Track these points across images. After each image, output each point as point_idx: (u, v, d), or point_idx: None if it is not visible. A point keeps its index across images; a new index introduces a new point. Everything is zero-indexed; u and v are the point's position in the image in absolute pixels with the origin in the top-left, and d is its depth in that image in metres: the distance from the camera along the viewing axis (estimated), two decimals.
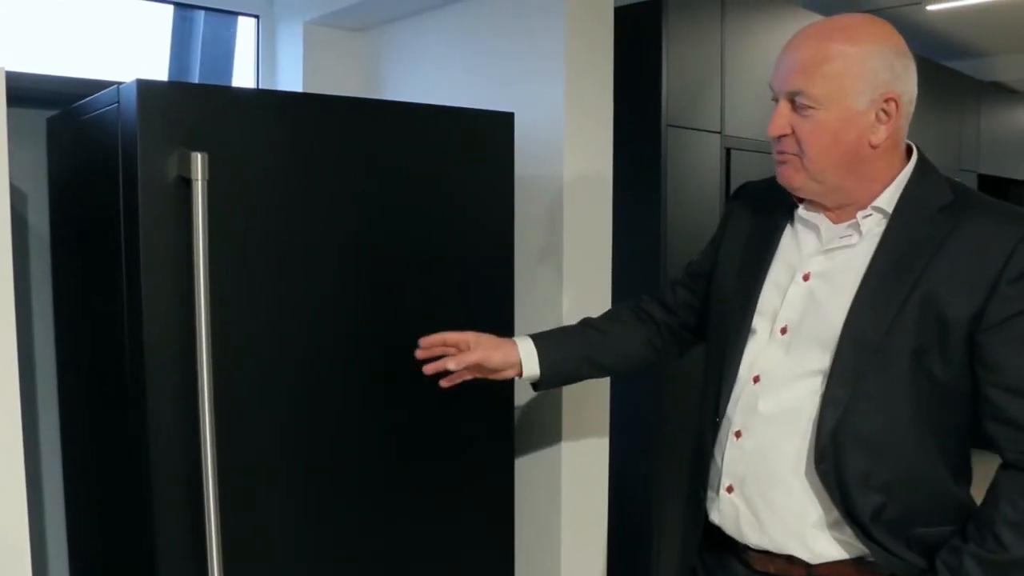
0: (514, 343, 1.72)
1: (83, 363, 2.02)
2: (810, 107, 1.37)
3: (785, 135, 1.42)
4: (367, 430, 1.87)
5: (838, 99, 1.36)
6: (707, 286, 1.71)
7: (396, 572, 1.94)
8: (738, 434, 1.49)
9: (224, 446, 1.61)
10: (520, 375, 1.73)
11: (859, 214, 1.42)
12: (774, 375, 1.46)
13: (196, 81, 2.89)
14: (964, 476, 1.45)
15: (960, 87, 4.70)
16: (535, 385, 1.76)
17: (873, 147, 1.39)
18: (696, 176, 2.76)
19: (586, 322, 1.82)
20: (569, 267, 2.24)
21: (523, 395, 2.27)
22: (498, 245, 2.06)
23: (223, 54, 3.03)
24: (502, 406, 2.11)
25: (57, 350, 2.24)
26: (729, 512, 1.52)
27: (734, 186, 2.85)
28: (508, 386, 2.10)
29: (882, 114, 1.37)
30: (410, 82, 2.74)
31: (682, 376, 2.70)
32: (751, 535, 1.49)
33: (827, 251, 1.45)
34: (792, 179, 1.44)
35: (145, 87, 1.54)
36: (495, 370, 1.70)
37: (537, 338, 1.74)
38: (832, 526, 1.42)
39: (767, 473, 1.46)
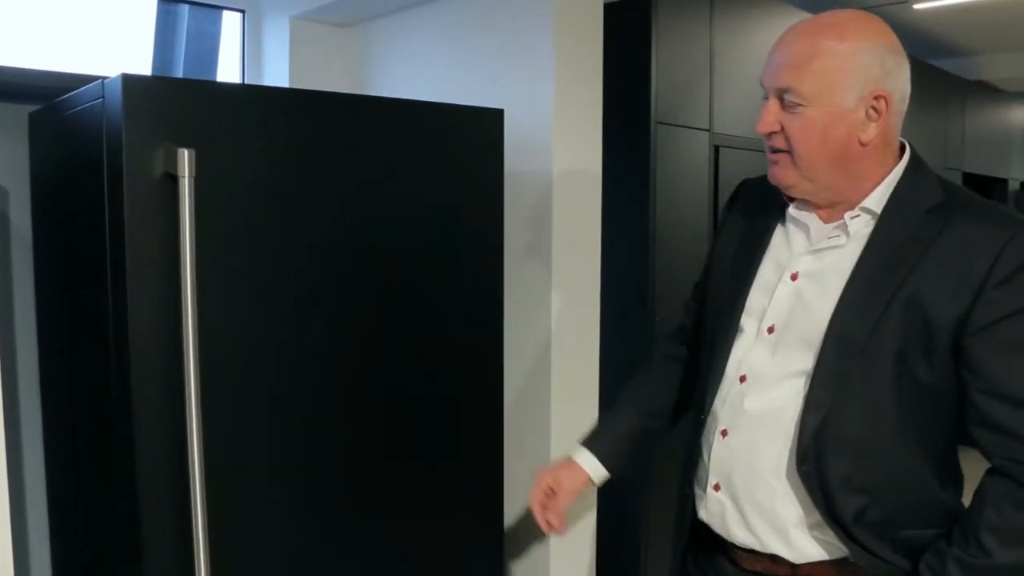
0: (573, 461, 1.74)
1: (67, 363, 2.00)
2: (799, 104, 1.36)
3: (774, 132, 1.41)
4: (355, 428, 1.85)
5: (826, 96, 1.34)
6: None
7: (385, 573, 1.92)
8: (724, 433, 1.49)
9: (211, 445, 1.60)
10: (595, 482, 1.75)
11: (847, 215, 1.41)
12: (760, 375, 1.46)
13: (180, 76, 2.86)
14: (952, 479, 1.45)
15: (946, 86, 4.72)
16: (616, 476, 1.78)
17: (863, 145, 1.38)
18: (685, 173, 2.76)
19: (628, 398, 1.81)
20: (558, 264, 2.23)
21: (512, 395, 2.26)
22: (487, 242, 2.05)
23: (208, 49, 3.01)
24: (491, 407, 2.10)
25: (40, 349, 2.21)
26: (716, 510, 1.52)
27: (722, 183, 2.87)
28: (497, 386, 2.10)
29: (872, 111, 1.36)
30: (397, 78, 2.73)
31: None
32: (737, 533, 1.49)
33: (815, 251, 1.44)
34: (784, 178, 1.43)
35: (130, 82, 1.52)
36: (569, 486, 1.73)
37: (591, 444, 1.75)
38: (815, 527, 1.42)
39: (751, 472, 1.45)
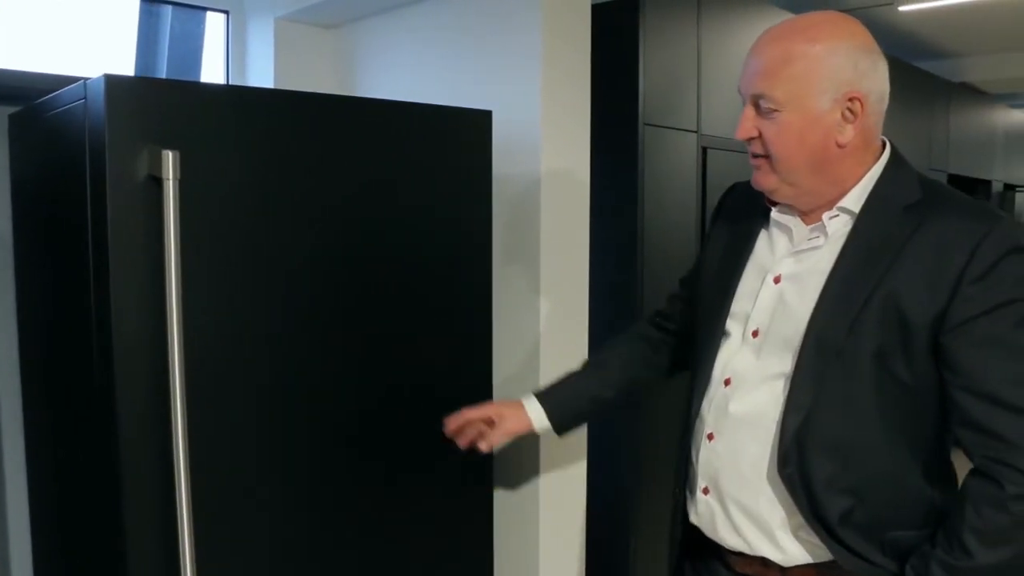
0: (520, 404, 1.81)
1: (49, 366, 1.97)
2: (773, 109, 1.36)
3: (753, 138, 1.41)
4: (341, 431, 1.83)
5: (800, 100, 1.34)
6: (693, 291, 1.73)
7: (373, 574, 1.91)
8: (710, 436, 1.49)
9: (196, 450, 1.57)
10: (535, 430, 1.82)
11: (825, 215, 1.41)
12: (743, 378, 1.46)
13: (164, 78, 2.84)
14: (941, 476, 1.44)
15: (931, 87, 4.74)
16: (557, 432, 1.84)
17: (840, 147, 1.37)
18: (673, 175, 2.76)
19: (588, 363, 1.88)
20: (546, 265, 2.22)
21: (500, 396, 2.25)
22: (475, 243, 2.03)
23: (191, 50, 2.98)
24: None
25: (21, 353, 2.19)
26: (705, 513, 1.52)
27: (710, 185, 2.87)
28: (485, 387, 2.08)
29: (848, 113, 1.35)
30: (383, 80, 2.71)
31: None
32: (726, 537, 1.50)
33: (796, 253, 1.45)
34: (765, 182, 1.44)
35: (113, 82, 1.49)
36: (508, 422, 1.81)
37: (542, 394, 1.82)
38: (800, 529, 1.42)
39: (736, 475, 1.46)
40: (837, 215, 1.41)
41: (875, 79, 1.36)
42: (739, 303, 1.51)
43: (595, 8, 2.32)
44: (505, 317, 2.25)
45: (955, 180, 5.05)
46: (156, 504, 1.58)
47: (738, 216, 1.60)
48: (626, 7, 2.60)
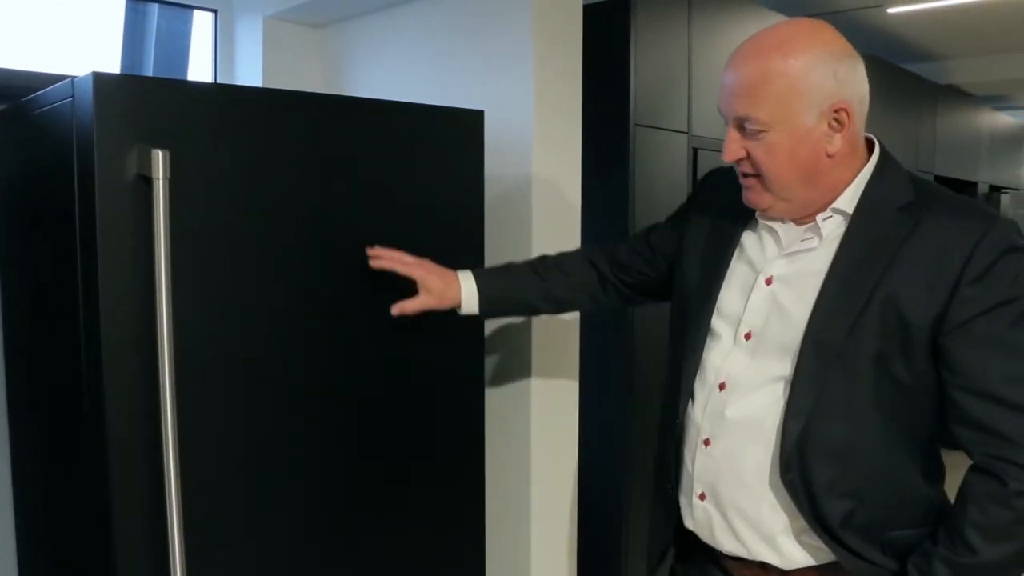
0: (457, 280, 1.79)
1: (35, 369, 1.95)
2: (760, 130, 1.34)
3: (741, 159, 1.39)
4: (334, 432, 1.82)
5: (786, 119, 1.33)
6: (667, 267, 1.71)
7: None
8: (707, 442, 1.47)
9: (187, 452, 1.55)
10: (460, 309, 1.81)
11: (819, 216, 1.41)
12: (739, 382, 1.44)
13: (153, 76, 2.81)
14: (935, 473, 1.45)
15: (917, 90, 4.76)
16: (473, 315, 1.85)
17: (830, 156, 1.36)
18: (664, 176, 2.75)
19: (535, 267, 1.85)
20: None
21: (492, 397, 2.24)
22: (467, 244, 2.02)
23: (178, 48, 2.96)
24: (473, 409, 2.08)
25: (5, 354, 2.16)
26: (703, 519, 1.51)
27: None
28: (478, 388, 2.08)
29: (834, 123, 1.34)
30: (372, 80, 2.70)
31: (652, 368, 2.69)
32: (725, 542, 1.48)
33: (789, 254, 1.43)
34: (759, 201, 1.42)
35: (102, 80, 1.47)
36: (434, 294, 1.77)
37: (480, 282, 1.81)
38: (802, 532, 1.41)
39: (735, 481, 1.44)
40: (831, 216, 1.40)
41: (855, 84, 1.35)
42: (726, 301, 1.49)
43: (586, 9, 2.31)
44: (498, 319, 2.24)
45: (941, 182, 5.07)
46: (146, 507, 1.56)
47: (721, 207, 1.57)
48: (617, 8, 2.60)
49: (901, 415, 1.37)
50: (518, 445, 2.27)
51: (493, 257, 2.19)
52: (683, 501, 1.55)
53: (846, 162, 1.39)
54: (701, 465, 1.48)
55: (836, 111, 1.33)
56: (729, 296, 1.49)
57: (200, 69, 2.97)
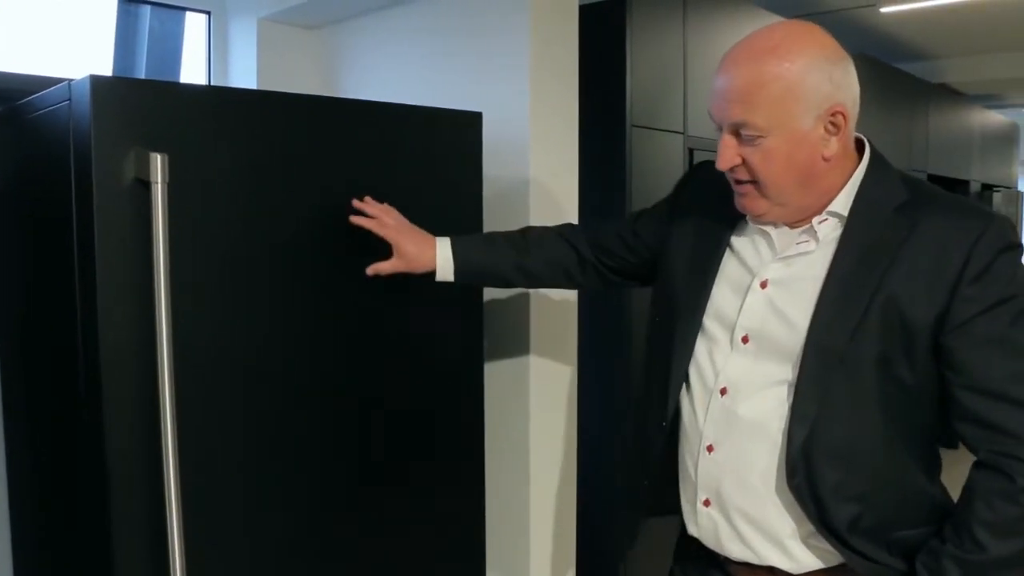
0: (432, 244, 1.79)
1: (33, 372, 1.94)
2: (757, 136, 1.32)
3: (736, 165, 1.37)
4: (333, 437, 1.81)
5: (783, 124, 1.31)
6: (650, 256, 1.70)
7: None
8: (710, 448, 1.46)
9: (186, 458, 1.54)
10: (434, 275, 1.80)
11: (814, 219, 1.39)
12: (740, 386, 1.43)
13: (151, 79, 2.80)
14: (936, 471, 1.45)
15: (911, 89, 4.77)
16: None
17: (827, 160, 1.35)
18: (660, 176, 2.75)
19: (514, 241, 1.84)
20: None
21: (491, 400, 2.23)
22: None
23: (171, 50, 2.94)
24: (472, 413, 2.08)
25: (3, 358, 2.14)
26: (708, 526, 1.49)
27: None
28: (477, 391, 2.07)
29: (831, 127, 1.33)
30: (367, 82, 2.69)
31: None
32: (732, 548, 1.47)
33: (784, 258, 1.42)
34: (754, 208, 1.40)
35: (99, 83, 1.46)
36: (405, 260, 1.77)
37: (457, 251, 1.80)
38: (810, 536, 1.40)
39: (741, 486, 1.43)
40: (826, 219, 1.39)
41: (850, 87, 1.34)
42: (720, 304, 1.47)
43: (582, 10, 2.30)
44: (495, 318, 2.24)
45: (934, 180, 5.08)
46: (145, 508, 1.55)
47: (711, 201, 1.54)
48: (613, 9, 2.59)
49: (904, 416, 1.37)
50: (516, 443, 2.27)
51: None
52: (686, 508, 1.54)
53: (840, 164, 1.38)
54: (705, 471, 1.47)
55: (833, 114, 1.32)
56: (721, 296, 1.48)
57: (192, 71, 2.95)
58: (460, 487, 2.07)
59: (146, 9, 2.83)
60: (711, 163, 1.60)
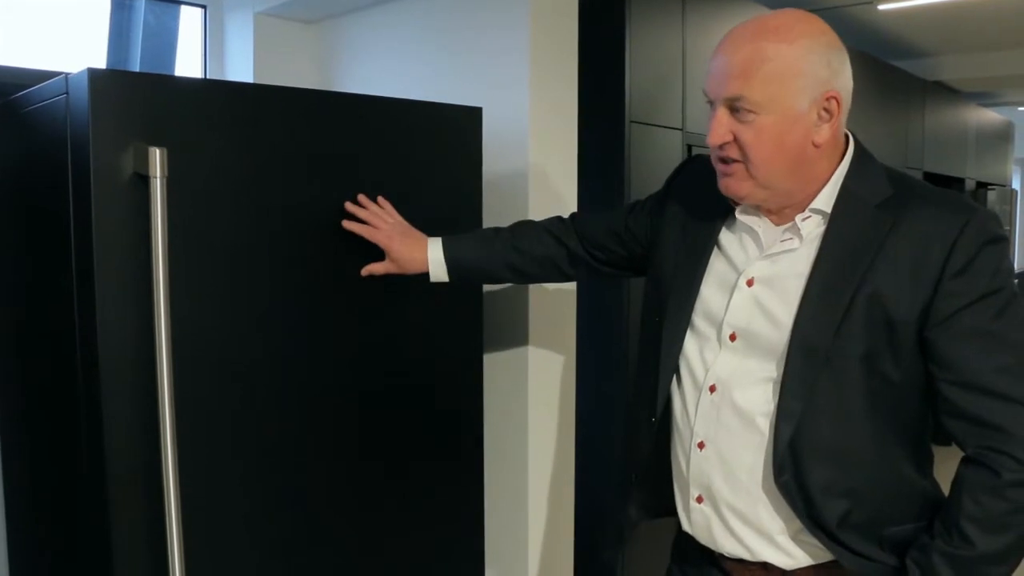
0: (424, 246, 1.81)
1: (29, 370, 1.92)
2: (751, 112, 1.32)
3: (727, 143, 1.36)
4: (333, 434, 1.81)
5: (779, 102, 1.31)
6: (641, 249, 1.70)
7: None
8: (701, 445, 1.46)
9: (185, 450, 1.54)
10: (428, 277, 1.83)
11: (797, 217, 1.39)
12: (729, 384, 1.43)
13: (150, 72, 2.78)
14: (927, 465, 1.45)
15: (907, 86, 4.77)
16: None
17: (816, 147, 1.35)
18: (658, 172, 2.74)
19: (505, 239, 1.85)
20: None
21: (490, 396, 2.23)
22: None
23: (166, 44, 2.93)
24: (471, 409, 2.07)
25: None
26: (701, 522, 1.50)
27: None
28: (476, 387, 2.07)
29: (824, 113, 1.33)
30: (364, 76, 2.68)
31: None
32: (725, 544, 1.47)
33: (769, 256, 1.42)
34: (738, 189, 1.39)
35: (97, 77, 1.45)
36: (397, 263, 1.80)
37: (448, 246, 1.82)
38: (799, 533, 1.41)
39: (731, 483, 1.43)
40: (810, 216, 1.39)
41: (845, 76, 1.35)
42: (708, 301, 1.47)
43: (581, 5, 2.30)
44: (494, 313, 2.23)
45: (929, 178, 5.09)
46: (144, 508, 1.55)
47: (700, 197, 1.54)
48: (612, 4, 2.58)
49: (892, 411, 1.36)
50: (514, 440, 2.27)
51: None
52: (680, 504, 1.54)
53: (828, 155, 1.38)
54: (696, 468, 1.47)
55: (827, 99, 1.32)
56: (710, 293, 1.48)
57: (187, 65, 2.93)
58: (459, 484, 2.06)
59: (141, 3, 2.82)
60: (702, 157, 1.61)
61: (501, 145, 2.18)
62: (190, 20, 2.94)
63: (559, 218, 1.88)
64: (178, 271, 1.52)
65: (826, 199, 1.38)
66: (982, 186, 6.28)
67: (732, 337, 1.43)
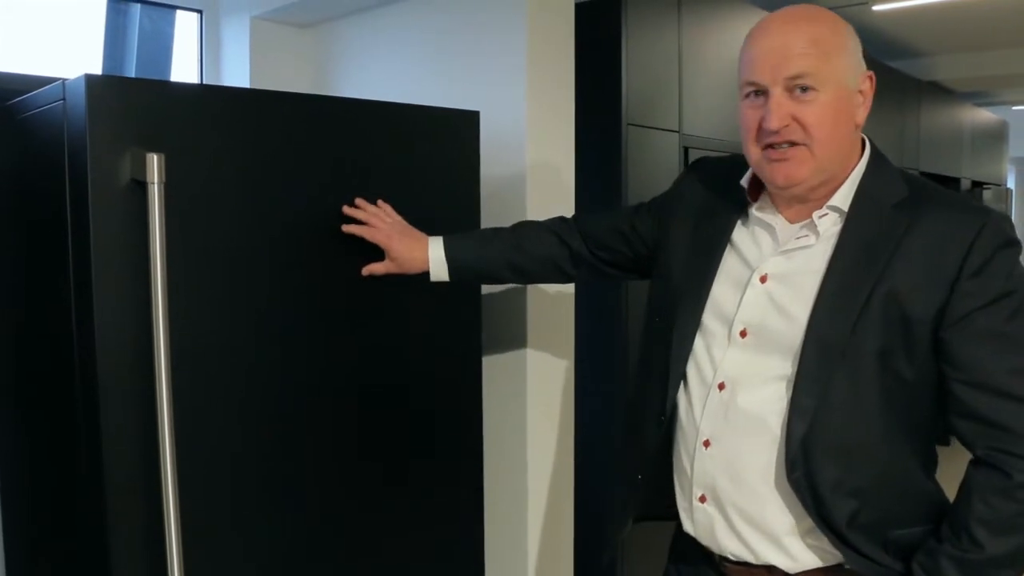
0: (425, 245, 1.80)
1: (27, 375, 1.92)
2: (813, 89, 1.34)
3: (786, 125, 1.36)
4: (331, 436, 1.80)
5: (835, 79, 1.34)
6: (647, 251, 1.70)
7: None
8: (707, 443, 1.45)
9: (184, 454, 1.53)
10: (428, 276, 1.82)
11: (815, 214, 1.40)
12: (739, 381, 1.43)
13: (147, 78, 2.78)
14: (932, 465, 1.45)
15: (902, 86, 4.79)
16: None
17: (857, 127, 1.40)
18: (655, 175, 2.75)
19: (506, 239, 1.85)
20: None
21: (488, 397, 2.23)
22: None
23: (161, 49, 2.92)
24: (470, 410, 2.07)
25: None
26: (704, 522, 1.48)
27: None
28: (475, 388, 2.07)
29: (862, 93, 1.38)
30: (361, 81, 2.68)
31: None
32: (729, 545, 1.46)
33: (784, 252, 1.42)
34: (797, 173, 1.37)
35: (94, 83, 1.44)
36: (397, 263, 1.79)
37: (449, 246, 1.81)
38: (808, 533, 1.40)
39: (738, 482, 1.42)
40: (827, 214, 1.39)
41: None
42: (719, 297, 1.47)
43: (578, 8, 2.30)
44: (492, 317, 2.23)
45: (925, 177, 5.10)
46: (142, 513, 1.54)
47: (710, 198, 1.55)
48: (609, 7, 2.59)
49: (904, 410, 1.36)
50: (514, 440, 2.27)
51: None
52: (682, 504, 1.53)
53: (853, 147, 1.41)
54: (700, 467, 1.46)
55: (866, 78, 1.38)
56: (722, 291, 1.47)
57: (183, 70, 2.93)
58: (459, 485, 2.06)
59: (136, 7, 2.81)
60: (710, 159, 1.61)
61: (498, 148, 2.18)
62: (186, 25, 2.93)
63: (561, 218, 1.88)
64: (176, 276, 1.52)
65: (843, 197, 1.39)
66: (977, 185, 6.29)
67: (743, 334, 1.43)
